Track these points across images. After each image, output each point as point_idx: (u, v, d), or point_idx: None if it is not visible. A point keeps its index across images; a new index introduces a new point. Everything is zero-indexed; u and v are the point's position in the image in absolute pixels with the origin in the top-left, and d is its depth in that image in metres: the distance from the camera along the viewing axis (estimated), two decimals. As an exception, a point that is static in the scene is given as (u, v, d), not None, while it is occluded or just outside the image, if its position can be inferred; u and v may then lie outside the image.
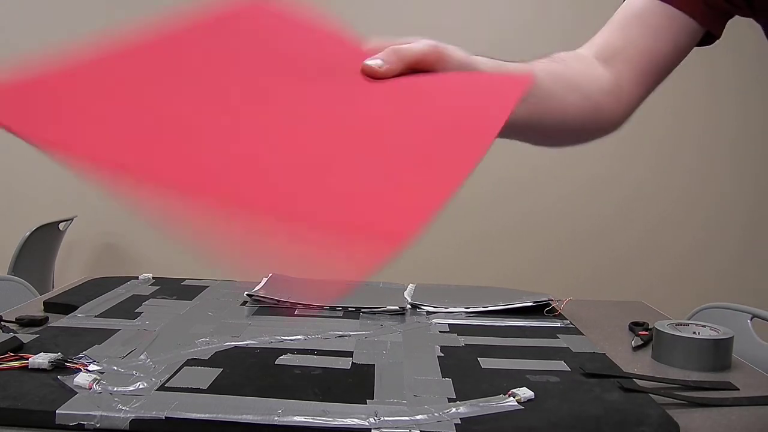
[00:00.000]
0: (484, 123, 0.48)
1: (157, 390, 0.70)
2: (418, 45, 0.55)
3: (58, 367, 0.75)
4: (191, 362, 0.80)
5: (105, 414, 0.64)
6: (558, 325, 1.06)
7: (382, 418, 0.65)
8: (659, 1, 0.69)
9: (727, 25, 0.70)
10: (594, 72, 0.69)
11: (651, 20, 0.69)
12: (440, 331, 1.00)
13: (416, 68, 0.55)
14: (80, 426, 0.63)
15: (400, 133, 0.48)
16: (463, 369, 0.82)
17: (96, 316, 0.99)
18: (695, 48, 0.71)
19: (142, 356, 0.81)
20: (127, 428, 0.63)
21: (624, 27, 0.71)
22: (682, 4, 0.68)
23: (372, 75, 0.54)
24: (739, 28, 0.76)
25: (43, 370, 0.74)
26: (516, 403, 0.71)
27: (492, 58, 0.61)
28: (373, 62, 0.54)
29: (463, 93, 0.54)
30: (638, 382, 0.79)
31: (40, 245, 2.35)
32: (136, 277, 1.28)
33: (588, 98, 0.67)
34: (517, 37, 2.57)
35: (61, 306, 1.05)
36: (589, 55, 0.71)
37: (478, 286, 1.30)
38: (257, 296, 1.12)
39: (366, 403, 0.69)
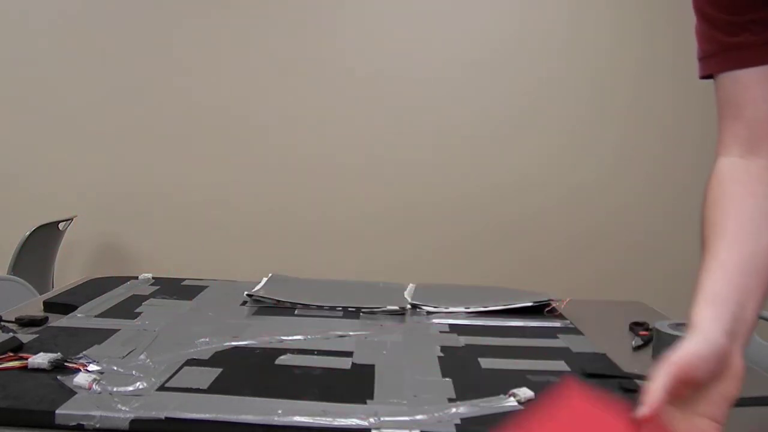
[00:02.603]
0: None
1: (157, 390, 0.70)
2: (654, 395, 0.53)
3: (58, 367, 0.75)
4: (191, 362, 0.80)
5: (105, 414, 0.63)
6: (558, 325, 1.06)
7: (382, 418, 0.65)
8: (744, 69, 0.68)
9: None
10: (751, 173, 0.67)
11: (748, 94, 0.69)
12: (440, 331, 1.00)
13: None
14: (80, 426, 0.63)
15: None
16: (463, 369, 0.82)
17: (96, 316, 0.99)
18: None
19: (142, 356, 0.81)
20: (127, 428, 0.63)
21: (736, 113, 0.71)
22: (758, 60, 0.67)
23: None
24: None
25: (43, 370, 0.74)
26: (516, 403, 0.70)
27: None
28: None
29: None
30: (639, 382, 0.79)
31: (40, 245, 2.34)
32: (136, 277, 1.28)
33: None
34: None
35: (61, 306, 1.05)
36: (736, 158, 0.70)
37: (478, 286, 1.30)
38: (257, 296, 1.12)
39: (366, 403, 0.69)
